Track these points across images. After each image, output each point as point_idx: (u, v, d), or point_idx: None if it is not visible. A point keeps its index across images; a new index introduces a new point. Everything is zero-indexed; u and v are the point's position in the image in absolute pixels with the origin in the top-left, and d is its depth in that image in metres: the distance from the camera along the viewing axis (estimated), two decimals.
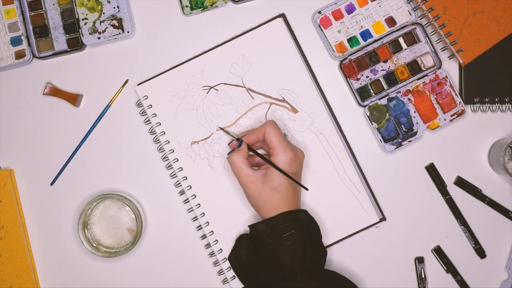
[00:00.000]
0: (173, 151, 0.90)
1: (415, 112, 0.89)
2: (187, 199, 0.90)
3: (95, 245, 0.89)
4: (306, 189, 0.83)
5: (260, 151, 0.87)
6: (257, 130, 0.83)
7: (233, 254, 0.87)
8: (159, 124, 0.90)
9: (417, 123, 0.89)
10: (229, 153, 0.86)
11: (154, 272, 0.91)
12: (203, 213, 0.89)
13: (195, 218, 0.90)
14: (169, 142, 0.90)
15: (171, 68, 0.90)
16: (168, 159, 0.90)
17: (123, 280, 0.91)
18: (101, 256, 0.89)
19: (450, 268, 0.88)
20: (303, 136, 0.89)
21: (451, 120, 0.89)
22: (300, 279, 0.78)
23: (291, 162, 0.80)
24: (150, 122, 0.90)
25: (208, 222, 0.89)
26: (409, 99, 0.89)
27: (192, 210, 0.89)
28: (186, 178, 0.89)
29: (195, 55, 0.91)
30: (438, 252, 0.89)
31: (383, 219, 0.89)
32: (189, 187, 0.89)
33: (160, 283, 0.91)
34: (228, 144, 0.88)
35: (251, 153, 0.84)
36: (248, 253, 0.86)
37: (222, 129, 0.89)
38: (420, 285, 0.89)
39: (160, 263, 0.91)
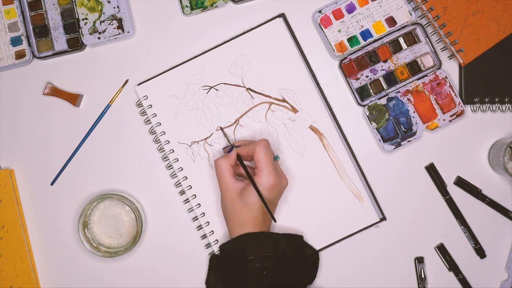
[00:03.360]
0: (173, 151, 0.90)
1: (414, 112, 0.89)
2: (187, 199, 0.90)
3: (95, 245, 0.89)
4: (275, 220, 0.83)
5: (250, 163, 0.88)
6: (249, 145, 0.83)
7: (207, 279, 0.86)
8: (159, 124, 0.90)
9: (416, 123, 0.89)
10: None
11: (154, 272, 0.91)
12: (203, 213, 0.89)
13: (195, 218, 0.90)
14: (169, 142, 0.90)
15: (171, 68, 0.91)
16: (168, 159, 0.90)
17: (123, 280, 0.91)
18: (101, 256, 0.89)
19: (452, 266, 0.88)
20: (303, 136, 0.89)
21: (450, 121, 0.89)
22: None
23: (271, 188, 0.81)
24: (150, 122, 0.90)
25: (208, 222, 0.89)
26: (408, 99, 0.89)
27: (192, 210, 0.90)
28: (186, 178, 0.89)
29: (195, 55, 0.91)
30: (441, 250, 0.89)
31: (383, 218, 0.89)
32: (189, 187, 0.89)
33: (160, 283, 0.91)
34: (223, 148, 0.88)
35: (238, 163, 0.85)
36: (218, 277, 0.85)
37: (222, 129, 0.89)
38: (420, 285, 0.89)
39: (160, 263, 0.91)
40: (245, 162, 0.86)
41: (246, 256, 0.80)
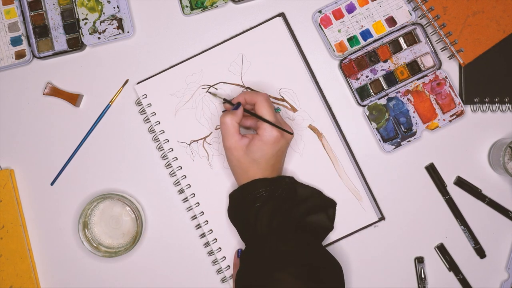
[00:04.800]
0: (172, 150, 0.90)
1: (414, 112, 0.89)
2: (186, 197, 0.90)
3: (95, 245, 0.89)
4: (292, 133, 0.83)
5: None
6: (248, 94, 0.82)
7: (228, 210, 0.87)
8: (158, 122, 0.90)
9: (416, 123, 0.89)
10: (223, 111, 0.87)
11: (154, 272, 0.91)
12: (202, 212, 0.89)
13: (194, 217, 0.90)
14: (168, 140, 0.90)
15: (171, 67, 0.91)
16: (168, 157, 0.90)
17: (123, 280, 0.91)
18: (101, 256, 0.89)
19: (452, 266, 0.88)
20: (302, 135, 0.89)
21: (450, 121, 0.89)
22: (266, 241, 0.78)
23: (275, 141, 0.80)
24: (150, 121, 0.90)
25: (207, 221, 0.89)
26: (408, 99, 0.89)
27: (191, 209, 0.90)
28: (185, 177, 0.89)
29: (194, 54, 0.91)
30: (441, 249, 0.89)
31: (382, 218, 0.89)
32: (188, 185, 0.89)
33: (160, 283, 0.91)
34: (223, 103, 0.85)
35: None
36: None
37: (210, 92, 0.88)
38: (420, 285, 0.89)
39: (160, 263, 0.91)
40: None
41: (253, 197, 0.80)
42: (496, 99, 0.89)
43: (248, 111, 0.82)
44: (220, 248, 0.89)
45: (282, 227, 0.80)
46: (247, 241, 0.82)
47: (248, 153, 0.80)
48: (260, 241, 0.79)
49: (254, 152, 0.80)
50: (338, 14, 0.90)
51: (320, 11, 0.90)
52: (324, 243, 0.88)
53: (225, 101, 0.82)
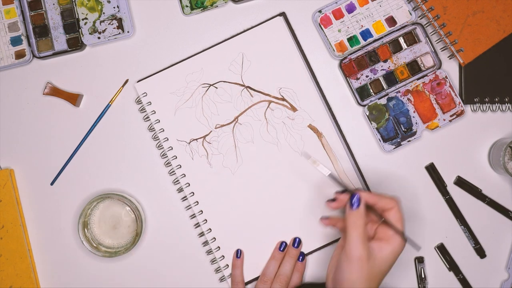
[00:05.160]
0: (172, 149, 0.90)
1: (414, 112, 0.89)
2: (185, 196, 0.90)
3: (95, 245, 0.89)
4: (418, 248, 0.74)
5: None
6: (380, 197, 0.72)
7: None
8: (158, 121, 0.90)
9: (416, 123, 0.89)
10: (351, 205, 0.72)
11: (154, 272, 0.91)
12: (201, 211, 0.89)
13: (193, 216, 0.90)
14: (168, 139, 0.90)
15: (171, 66, 0.91)
16: (167, 156, 0.90)
17: (123, 280, 0.91)
18: (101, 256, 0.89)
19: (452, 266, 0.88)
20: (302, 135, 0.89)
21: (450, 121, 0.89)
22: None
23: (400, 251, 0.71)
24: (149, 119, 0.90)
25: (206, 220, 0.89)
26: (408, 99, 0.89)
27: (190, 208, 0.90)
28: (185, 176, 0.89)
29: (195, 53, 0.91)
30: (441, 249, 0.89)
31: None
32: (188, 184, 0.89)
33: (160, 283, 0.91)
34: (336, 192, 0.74)
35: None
36: None
37: (333, 177, 0.75)
38: (420, 285, 0.89)
39: (160, 263, 0.91)
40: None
41: None
42: (496, 99, 0.89)
43: (380, 216, 0.73)
44: (218, 247, 0.89)
45: None
46: None
47: (377, 265, 0.69)
48: None
49: (379, 264, 0.69)
50: (338, 14, 0.90)
51: (320, 11, 0.90)
52: (323, 243, 0.88)
53: (335, 180, 0.73)
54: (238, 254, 0.88)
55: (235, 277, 0.88)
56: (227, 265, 0.89)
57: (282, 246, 0.88)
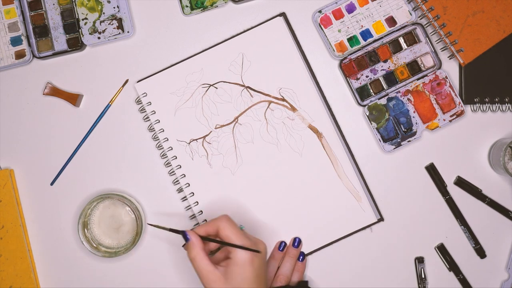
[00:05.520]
0: (172, 149, 0.90)
1: (414, 112, 0.89)
2: (185, 196, 0.90)
3: (95, 245, 0.89)
4: (258, 251, 0.76)
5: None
6: (207, 224, 0.77)
7: None
8: (158, 121, 0.90)
9: (416, 123, 0.89)
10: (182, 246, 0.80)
11: (154, 272, 0.91)
12: (201, 211, 0.89)
13: (193, 216, 0.90)
14: (167, 139, 0.90)
15: (171, 66, 0.91)
16: (167, 156, 0.90)
17: (123, 280, 0.91)
18: (101, 256, 0.89)
19: (452, 266, 0.88)
20: (302, 135, 0.89)
21: (450, 121, 0.89)
22: None
23: (252, 260, 0.75)
24: (149, 119, 0.90)
25: (206, 220, 0.89)
26: (408, 99, 0.89)
27: (190, 208, 0.90)
28: (185, 176, 0.89)
29: (195, 53, 0.91)
30: (441, 250, 0.89)
31: (380, 219, 0.89)
32: (187, 184, 0.89)
33: (160, 283, 0.91)
34: (182, 246, 0.80)
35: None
36: None
37: (151, 224, 0.81)
38: (420, 285, 0.89)
39: (160, 263, 0.91)
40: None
41: None
42: (496, 99, 0.89)
43: (213, 240, 0.77)
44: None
45: None
46: None
47: (229, 282, 0.74)
48: None
49: (234, 278, 0.74)
50: (338, 14, 0.90)
51: (320, 11, 0.90)
52: (322, 243, 0.88)
53: (171, 230, 0.77)
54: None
55: None
56: None
57: (282, 246, 0.88)
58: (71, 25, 0.92)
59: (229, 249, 0.76)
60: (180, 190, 0.90)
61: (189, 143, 0.90)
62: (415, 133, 0.89)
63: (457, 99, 0.89)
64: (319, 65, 0.91)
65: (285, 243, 0.88)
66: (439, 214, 0.89)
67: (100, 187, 0.92)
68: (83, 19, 0.91)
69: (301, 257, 0.88)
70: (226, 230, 0.76)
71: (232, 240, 0.75)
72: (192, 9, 0.91)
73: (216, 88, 0.90)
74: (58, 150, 0.92)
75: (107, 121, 0.92)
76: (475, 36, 0.86)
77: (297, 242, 0.88)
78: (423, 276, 0.88)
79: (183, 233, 0.76)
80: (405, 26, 0.89)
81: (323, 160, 0.89)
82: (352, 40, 0.90)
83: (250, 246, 0.75)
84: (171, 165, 0.90)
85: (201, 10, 0.91)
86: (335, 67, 0.90)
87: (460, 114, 0.89)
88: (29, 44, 0.92)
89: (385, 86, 0.89)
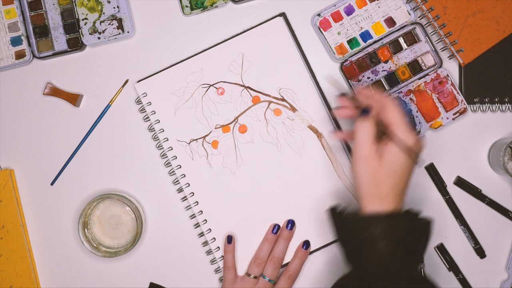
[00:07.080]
0: (172, 149, 0.90)
1: (417, 111, 0.89)
2: (185, 196, 0.90)
3: (95, 245, 0.89)
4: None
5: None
6: (374, 97, 0.75)
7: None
8: (158, 121, 0.90)
9: (419, 123, 0.89)
10: (360, 115, 0.75)
11: (154, 272, 0.91)
12: (201, 211, 0.89)
13: (192, 216, 0.90)
14: (167, 139, 0.90)
15: (171, 66, 0.91)
16: (167, 156, 0.90)
17: (123, 280, 0.91)
18: (101, 256, 0.89)
19: (452, 266, 0.88)
20: (301, 135, 0.89)
21: (453, 119, 0.89)
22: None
23: (413, 148, 0.72)
24: (149, 119, 0.90)
25: (205, 220, 0.89)
26: (411, 99, 0.89)
27: (190, 208, 0.90)
28: (185, 176, 0.89)
29: (195, 53, 0.91)
30: (441, 250, 0.89)
31: None
32: (187, 184, 0.89)
33: (160, 283, 0.91)
34: (338, 96, 0.79)
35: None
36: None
37: (330, 80, 0.80)
38: None
39: (160, 263, 0.91)
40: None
41: (376, 238, 0.71)
42: (496, 99, 0.89)
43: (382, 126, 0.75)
44: (218, 247, 0.89)
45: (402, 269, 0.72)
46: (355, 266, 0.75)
47: (384, 165, 0.72)
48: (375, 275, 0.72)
49: (390, 162, 0.72)
50: (337, 17, 0.90)
51: (319, 14, 0.90)
52: (322, 243, 0.88)
53: (349, 97, 0.76)
54: (229, 240, 0.88)
55: (227, 262, 0.88)
56: None
57: (275, 229, 0.88)
58: (71, 25, 0.92)
59: (391, 128, 0.73)
60: (180, 190, 0.90)
61: (189, 143, 0.90)
62: (418, 133, 0.89)
63: (460, 97, 0.89)
64: (320, 68, 0.90)
65: (279, 226, 0.88)
66: (439, 214, 0.89)
67: (100, 187, 0.92)
68: (83, 19, 0.91)
69: (305, 245, 0.88)
70: (393, 113, 0.73)
71: (398, 122, 0.73)
72: (192, 9, 0.91)
73: (216, 88, 0.90)
74: (58, 150, 0.92)
75: (107, 121, 0.92)
76: (475, 36, 0.86)
77: (290, 224, 0.88)
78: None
79: (367, 108, 0.74)
80: (405, 26, 0.89)
81: (323, 160, 0.89)
82: (352, 42, 0.90)
83: (414, 134, 0.73)
84: (171, 165, 0.90)
85: (201, 10, 0.91)
86: (336, 69, 0.90)
87: (463, 112, 0.89)
88: (29, 44, 0.92)
89: (386, 86, 0.89)
